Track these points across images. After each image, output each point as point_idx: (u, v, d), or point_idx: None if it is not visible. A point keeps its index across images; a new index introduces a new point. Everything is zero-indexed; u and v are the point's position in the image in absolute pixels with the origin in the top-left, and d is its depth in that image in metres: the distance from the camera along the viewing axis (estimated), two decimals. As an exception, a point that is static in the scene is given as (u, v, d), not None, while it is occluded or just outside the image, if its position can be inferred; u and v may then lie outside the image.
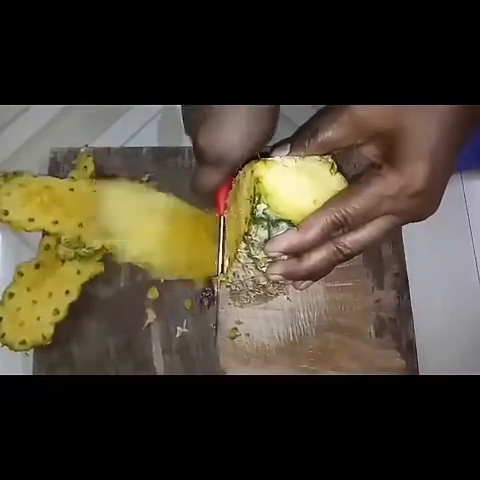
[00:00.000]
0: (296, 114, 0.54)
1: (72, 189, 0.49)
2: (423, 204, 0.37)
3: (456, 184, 0.56)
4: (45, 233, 0.49)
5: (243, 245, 0.39)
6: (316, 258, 0.38)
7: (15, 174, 0.49)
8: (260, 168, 0.37)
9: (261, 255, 0.39)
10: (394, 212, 0.37)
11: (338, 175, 0.38)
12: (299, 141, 0.39)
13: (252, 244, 0.39)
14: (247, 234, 0.38)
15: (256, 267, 0.41)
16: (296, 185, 0.37)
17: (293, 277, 0.40)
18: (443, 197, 0.39)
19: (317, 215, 0.37)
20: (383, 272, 0.52)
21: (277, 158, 0.38)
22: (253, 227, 0.37)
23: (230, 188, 0.44)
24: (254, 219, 0.37)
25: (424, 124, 0.36)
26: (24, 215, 0.47)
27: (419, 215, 0.38)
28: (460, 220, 0.54)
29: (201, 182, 0.43)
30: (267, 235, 0.38)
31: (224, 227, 0.46)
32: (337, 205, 0.36)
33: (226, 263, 0.46)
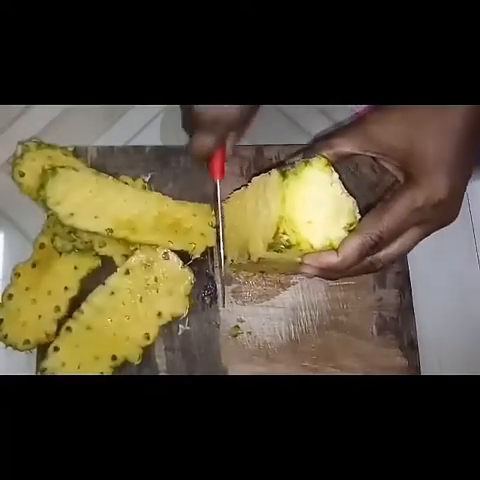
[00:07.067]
0: (296, 114, 0.54)
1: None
2: (447, 211, 0.39)
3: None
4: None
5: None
6: (350, 271, 0.41)
7: (49, 146, 0.49)
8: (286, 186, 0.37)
9: None
10: (422, 223, 0.39)
11: (338, 183, 0.38)
12: (313, 150, 0.42)
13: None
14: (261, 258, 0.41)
15: None
16: (311, 201, 0.38)
17: (326, 278, 0.43)
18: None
19: (355, 239, 0.38)
20: (385, 271, 0.52)
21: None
22: (268, 253, 0.39)
23: (224, 154, 0.48)
24: (273, 245, 0.38)
25: (435, 138, 0.37)
26: (36, 183, 0.47)
27: (444, 222, 0.40)
28: (462, 218, 0.54)
29: (197, 146, 0.46)
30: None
31: (222, 216, 0.48)
32: (371, 227, 0.38)
33: (226, 255, 0.48)
